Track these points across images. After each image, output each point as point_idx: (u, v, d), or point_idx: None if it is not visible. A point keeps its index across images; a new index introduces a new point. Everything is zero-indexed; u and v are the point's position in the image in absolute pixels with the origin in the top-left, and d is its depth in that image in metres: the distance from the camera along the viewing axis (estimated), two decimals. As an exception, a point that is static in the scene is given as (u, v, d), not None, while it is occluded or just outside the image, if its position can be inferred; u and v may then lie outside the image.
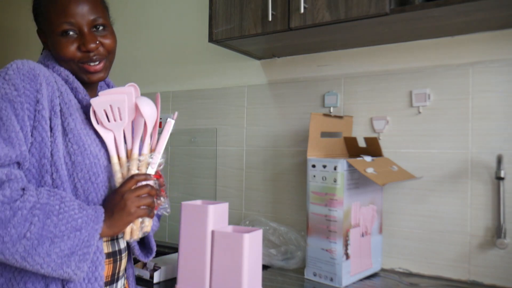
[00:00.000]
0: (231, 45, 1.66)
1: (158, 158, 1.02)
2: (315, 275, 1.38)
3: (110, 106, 0.97)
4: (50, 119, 0.94)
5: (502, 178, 1.28)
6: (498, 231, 1.33)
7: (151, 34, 2.21)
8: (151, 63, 2.21)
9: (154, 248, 1.15)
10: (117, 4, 2.51)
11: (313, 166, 1.38)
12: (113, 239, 1.05)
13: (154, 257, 1.44)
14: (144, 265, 1.35)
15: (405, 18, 1.29)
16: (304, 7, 1.36)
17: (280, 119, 1.80)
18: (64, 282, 0.92)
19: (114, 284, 1.05)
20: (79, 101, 1.02)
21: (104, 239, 1.01)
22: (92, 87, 1.10)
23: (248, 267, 1.10)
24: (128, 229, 0.99)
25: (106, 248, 1.02)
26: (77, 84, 1.02)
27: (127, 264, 1.13)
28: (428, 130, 1.49)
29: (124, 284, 1.11)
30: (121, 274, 1.07)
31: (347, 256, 1.34)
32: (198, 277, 1.15)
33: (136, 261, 1.41)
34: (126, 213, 0.94)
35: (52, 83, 0.96)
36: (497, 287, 1.36)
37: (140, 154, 1.01)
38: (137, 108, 1.00)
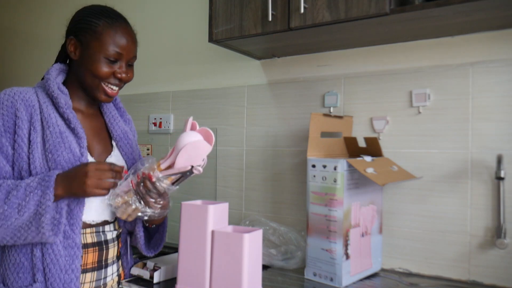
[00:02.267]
0: (231, 45, 1.66)
1: (166, 177, 1.14)
2: (315, 275, 1.38)
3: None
4: (29, 134, 1.12)
5: (502, 178, 1.28)
6: (498, 231, 1.33)
7: (151, 34, 2.21)
8: (151, 63, 2.21)
9: (160, 247, 1.35)
10: (117, 4, 2.51)
11: (313, 166, 1.38)
12: (99, 231, 1.22)
13: (154, 257, 1.44)
14: (144, 265, 1.35)
15: (405, 18, 1.29)
16: (304, 7, 1.36)
17: (280, 119, 1.80)
18: (46, 269, 1.09)
19: (103, 270, 1.23)
20: (61, 115, 1.18)
21: (88, 231, 1.20)
22: (95, 102, 1.30)
23: (248, 267, 1.10)
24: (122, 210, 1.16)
25: (90, 238, 1.20)
26: (62, 100, 1.17)
27: (122, 253, 1.32)
28: (428, 130, 1.49)
29: (118, 270, 1.30)
30: (110, 261, 1.25)
31: (347, 256, 1.34)
32: (198, 277, 1.15)
33: (135, 260, 1.42)
34: (83, 191, 1.07)
35: (32, 103, 1.14)
36: (497, 287, 1.36)
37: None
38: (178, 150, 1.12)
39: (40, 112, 1.15)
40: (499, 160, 1.30)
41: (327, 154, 1.49)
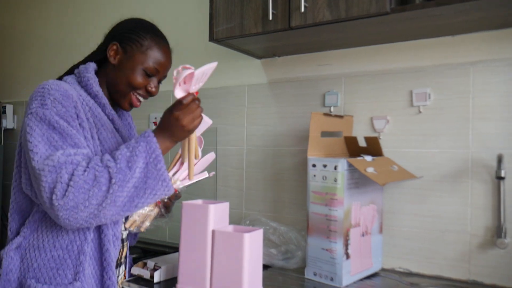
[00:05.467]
0: (232, 44, 1.66)
1: (184, 183, 1.23)
2: (315, 274, 1.38)
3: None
4: (90, 129, 1.12)
5: (502, 178, 1.28)
6: (498, 231, 1.33)
7: (151, 33, 2.20)
8: (151, 62, 2.21)
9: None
10: (117, 4, 2.51)
11: (314, 165, 1.38)
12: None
13: (154, 257, 1.44)
14: (145, 265, 1.35)
15: (405, 17, 1.29)
16: (305, 6, 1.36)
17: (281, 119, 1.80)
18: (103, 260, 1.11)
19: (117, 269, 1.23)
20: (106, 115, 1.21)
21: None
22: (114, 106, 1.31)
23: (249, 267, 1.10)
24: (132, 222, 1.21)
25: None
26: (105, 101, 1.21)
27: (127, 254, 1.33)
28: (429, 129, 1.48)
29: (123, 271, 1.31)
30: (122, 260, 1.27)
31: (348, 256, 1.34)
32: (199, 276, 1.15)
33: (136, 260, 1.41)
34: (186, 131, 1.09)
35: (81, 100, 1.14)
36: (497, 287, 1.36)
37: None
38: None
39: (89, 110, 1.16)
40: (500, 160, 1.30)
41: (328, 153, 1.49)
